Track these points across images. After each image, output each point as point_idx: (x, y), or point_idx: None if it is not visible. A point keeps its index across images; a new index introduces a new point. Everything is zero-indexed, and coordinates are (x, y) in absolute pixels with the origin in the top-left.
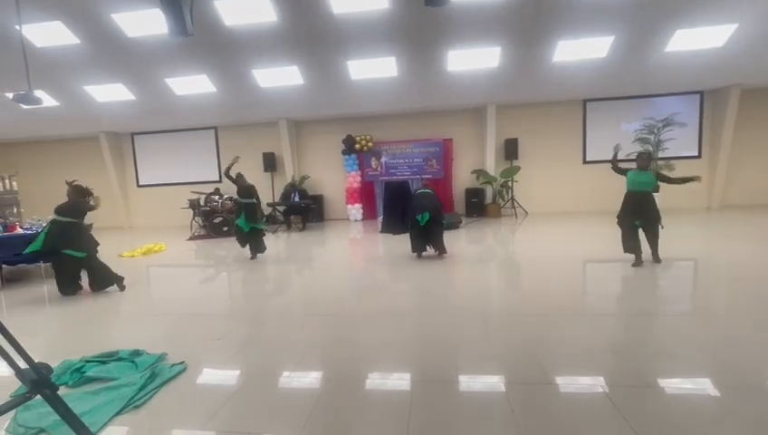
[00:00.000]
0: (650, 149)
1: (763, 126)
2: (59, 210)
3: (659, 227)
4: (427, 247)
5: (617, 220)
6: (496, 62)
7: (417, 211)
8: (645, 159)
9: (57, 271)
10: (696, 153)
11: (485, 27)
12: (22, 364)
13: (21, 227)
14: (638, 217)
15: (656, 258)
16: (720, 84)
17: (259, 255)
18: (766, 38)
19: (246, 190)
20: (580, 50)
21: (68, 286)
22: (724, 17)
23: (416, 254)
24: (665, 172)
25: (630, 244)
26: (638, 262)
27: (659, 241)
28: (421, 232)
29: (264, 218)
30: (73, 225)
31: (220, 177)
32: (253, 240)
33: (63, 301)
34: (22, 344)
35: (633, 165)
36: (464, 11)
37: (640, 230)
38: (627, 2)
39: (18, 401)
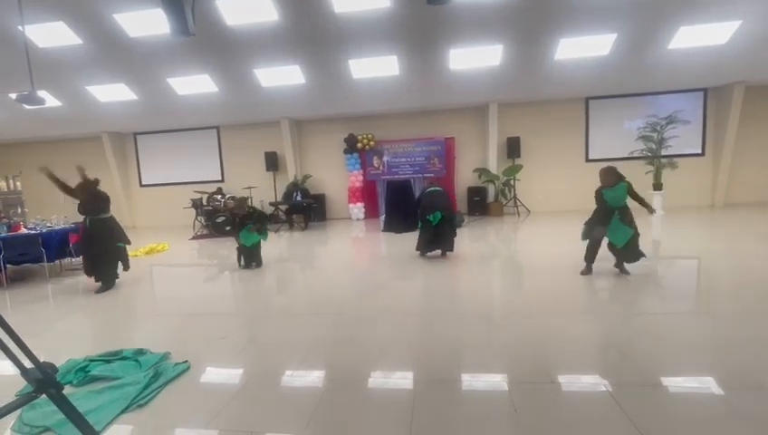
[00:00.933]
0: (654, 147)
1: (766, 123)
2: (94, 210)
3: (637, 238)
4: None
5: (584, 227)
6: (498, 60)
7: (428, 211)
8: (611, 175)
9: (103, 263)
10: (700, 151)
11: (487, 25)
12: (27, 364)
13: (25, 227)
14: (625, 233)
15: (624, 270)
16: (724, 81)
17: (253, 264)
18: None
19: (246, 217)
20: (583, 48)
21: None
22: (728, 14)
23: (419, 253)
24: (633, 189)
25: (591, 255)
26: (587, 270)
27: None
28: (433, 232)
29: (266, 233)
30: (110, 219)
31: (223, 176)
32: (252, 253)
33: (66, 301)
34: (27, 344)
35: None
36: (465, 9)
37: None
38: None
39: (24, 401)
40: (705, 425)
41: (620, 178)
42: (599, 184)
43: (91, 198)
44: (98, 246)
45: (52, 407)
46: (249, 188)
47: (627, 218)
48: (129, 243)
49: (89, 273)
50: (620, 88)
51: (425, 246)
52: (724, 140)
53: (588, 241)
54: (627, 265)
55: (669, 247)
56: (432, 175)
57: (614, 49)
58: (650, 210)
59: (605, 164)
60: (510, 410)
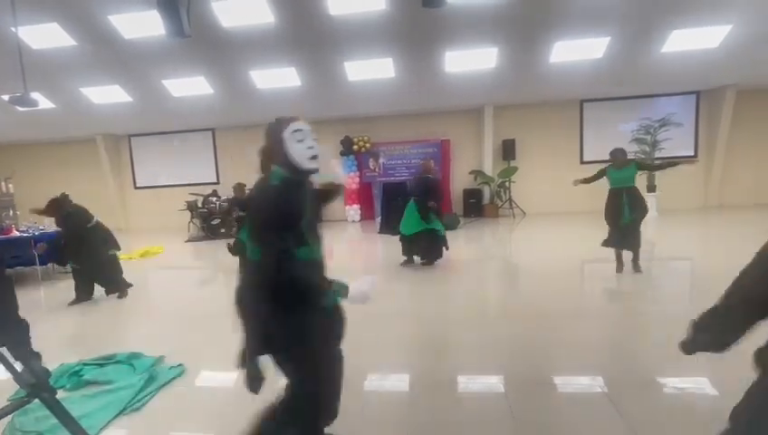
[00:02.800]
0: (647, 149)
1: (758, 126)
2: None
3: (640, 228)
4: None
5: (605, 220)
6: (493, 62)
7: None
8: (621, 153)
9: (98, 276)
10: (693, 153)
11: (482, 28)
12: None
13: (17, 230)
14: (628, 213)
15: (636, 267)
16: (715, 85)
17: None
18: (760, 39)
19: (245, 203)
20: (577, 51)
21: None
22: (719, 19)
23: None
24: (647, 161)
25: (615, 240)
26: (619, 267)
27: (641, 248)
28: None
29: None
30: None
31: (218, 178)
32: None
33: (59, 304)
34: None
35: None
36: (460, 12)
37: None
38: (622, 3)
39: (16, 405)
40: (700, 425)
41: (629, 161)
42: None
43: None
44: (92, 260)
45: (44, 412)
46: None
47: (633, 202)
48: (119, 249)
49: (88, 294)
50: (614, 91)
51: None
52: (716, 142)
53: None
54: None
55: (664, 248)
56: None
57: (608, 52)
58: (684, 162)
59: (601, 166)
60: (506, 411)
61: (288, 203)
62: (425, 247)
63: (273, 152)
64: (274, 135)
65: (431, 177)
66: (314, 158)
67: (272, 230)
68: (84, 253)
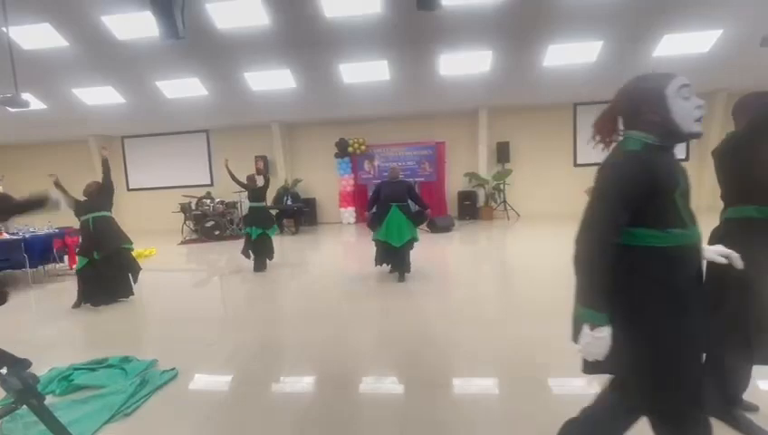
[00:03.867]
0: None
1: None
2: (94, 207)
3: None
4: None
5: None
6: (488, 65)
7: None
8: None
9: (104, 275)
10: (685, 156)
11: (477, 31)
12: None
13: (7, 233)
14: None
15: None
16: (706, 89)
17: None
18: (749, 44)
19: (257, 193)
20: (570, 54)
21: (126, 287)
22: (709, 23)
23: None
24: None
25: None
26: None
27: None
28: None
29: (276, 227)
30: (112, 218)
31: (212, 180)
32: (261, 247)
33: (50, 307)
34: (9, 352)
35: None
36: (455, 15)
37: None
38: (614, 7)
39: (3, 412)
40: None
41: None
42: (587, 188)
43: (101, 190)
44: (108, 251)
45: (33, 418)
46: (239, 192)
47: None
48: (131, 243)
49: (101, 299)
50: (607, 94)
51: (382, 259)
52: (708, 145)
53: None
54: None
55: None
56: (399, 164)
57: (601, 56)
58: None
59: (594, 169)
60: (502, 413)
61: (654, 168)
62: (407, 257)
63: (640, 112)
64: (653, 92)
65: (407, 180)
66: (700, 120)
67: (623, 203)
68: (109, 240)
